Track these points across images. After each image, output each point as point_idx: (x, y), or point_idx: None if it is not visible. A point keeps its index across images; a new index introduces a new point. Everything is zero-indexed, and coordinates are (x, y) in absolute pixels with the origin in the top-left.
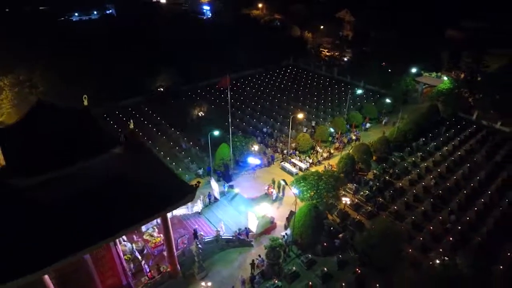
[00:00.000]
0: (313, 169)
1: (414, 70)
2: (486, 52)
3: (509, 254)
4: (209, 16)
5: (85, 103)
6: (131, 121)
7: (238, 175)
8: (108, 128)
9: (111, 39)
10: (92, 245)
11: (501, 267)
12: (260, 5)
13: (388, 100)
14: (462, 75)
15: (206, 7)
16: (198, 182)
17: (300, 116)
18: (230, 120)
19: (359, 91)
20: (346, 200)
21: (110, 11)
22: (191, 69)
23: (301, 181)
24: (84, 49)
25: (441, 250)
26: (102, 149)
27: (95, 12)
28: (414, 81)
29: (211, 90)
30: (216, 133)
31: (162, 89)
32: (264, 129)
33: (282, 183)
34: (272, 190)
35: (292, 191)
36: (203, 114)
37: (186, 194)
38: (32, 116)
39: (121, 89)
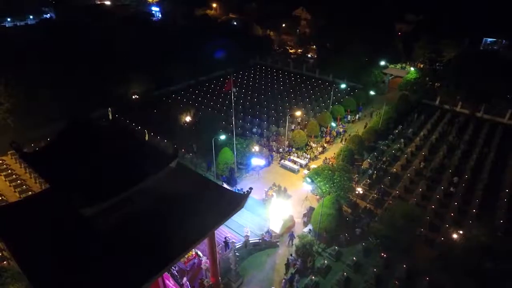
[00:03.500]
0: (311, 164)
1: (382, 63)
2: (438, 43)
3: (501, 221)
4: (159, 18)
5: (110, 116)
6: (145, 131)
7: (242, 178)
8: None
9: (57, 46)
10: (163, 269)
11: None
12: (214, 5)
13: (372, 92)
14: (419, 65)
15: (155, 8)
16: (251, 188)
17: (298, 113)
18: (234, 122)
19: (343, 86)
20: (358, 190)
21: (48, 15)
22: (157, 74)
23: (316, 177)
24: (31, 59)
25: (447, 225)
26: (162, 164)
27: (31, 17)
28: (382, 73)
29: (187, 94)
30: (223, 137)
31: (137, 96)
32: (254, 129)
33: (308, 180)
34: (273, 193)
35: (305, 188)
36: (191, 120)
37: (239, 201)
38: (74, 134)
39: (89, 100)
